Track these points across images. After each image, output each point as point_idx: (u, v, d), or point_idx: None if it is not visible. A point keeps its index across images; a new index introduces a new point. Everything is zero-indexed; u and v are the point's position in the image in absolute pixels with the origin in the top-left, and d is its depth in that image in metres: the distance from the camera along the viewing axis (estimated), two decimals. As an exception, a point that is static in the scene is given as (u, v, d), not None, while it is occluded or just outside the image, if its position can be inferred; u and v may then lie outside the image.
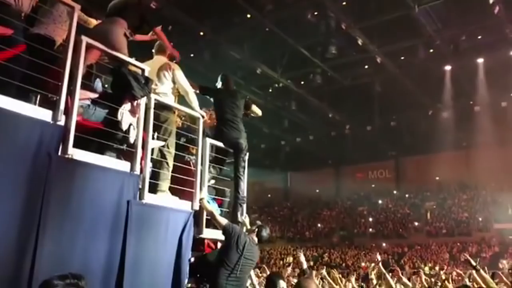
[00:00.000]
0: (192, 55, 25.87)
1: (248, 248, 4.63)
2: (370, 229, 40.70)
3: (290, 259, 33.23)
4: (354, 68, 30.92)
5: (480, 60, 27.67)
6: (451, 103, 32.67)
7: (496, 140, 32.47)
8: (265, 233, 4.94)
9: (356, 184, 46.81)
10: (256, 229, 4.92)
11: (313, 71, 30.25)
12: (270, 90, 32.32)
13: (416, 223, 38.92)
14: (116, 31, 4.45)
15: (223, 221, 4.74)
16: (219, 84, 5.97)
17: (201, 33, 24.90)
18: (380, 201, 44.57)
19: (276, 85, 32.13)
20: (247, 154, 5.65)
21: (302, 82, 32.08)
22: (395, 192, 45.22)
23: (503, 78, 28.02)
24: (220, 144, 5.49)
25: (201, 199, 4.86)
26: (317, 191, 47.96)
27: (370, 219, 42.03)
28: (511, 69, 27.04)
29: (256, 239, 4.88)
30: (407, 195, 43.84)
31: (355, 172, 47.67)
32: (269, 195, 48.88)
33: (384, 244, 37.45)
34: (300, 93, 32.55)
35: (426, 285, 7.00)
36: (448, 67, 28.97)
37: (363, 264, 33.62)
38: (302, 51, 26.98)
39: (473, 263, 5.87)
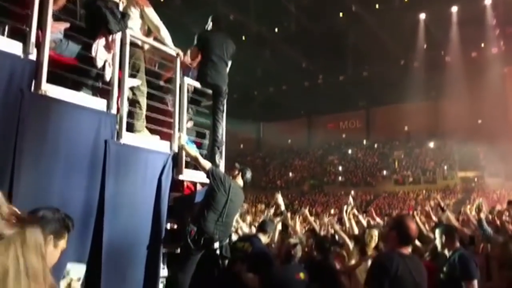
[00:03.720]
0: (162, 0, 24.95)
1: (233, 191, 4.61)
2: (340, 178, 41.77)
3: (262, 206, 33.90)
4: (329, 17, 30.54)
5: (454, 9, 27.71)
6: (423, 54, 32.95)
7: (464, 90, 33.17)
8: (249, 175, 4.94)
9: (327, 134, 47.53)
10: (240, 173, 4.90)
11: (287, 19, 29.76)
12: (243, 38, 31.68)
13: (384, 172, 40.09)
14: None
15: (207, 164, 4.67)
16: (209, 26, 5.63)
17: (172, -24, 23.93)
18: (350, 151, 45.53)
19: (249, 33, 31.52)
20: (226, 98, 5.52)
21: (276, 30, 31.60)
22: (364, 141, 46.16)
23: (475, 28, 28.27)
24: (198, 84, 5.34)
25: (182, 145, 4.76)
26: (289, 141, 48.51)
27: (340, 168, 43.09)
28: (484, 19, 27.26)
29: (241, 182, 4.87)
30: (376, 145, 44.87)
31: (327, 122, 48.25)
32: (241, 145, 49.06)
33: (352, 192, 38.52)
34: (274, 41, 32.12)
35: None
36: (422, 15, 28.93)
37: (332, 211, 34.68)
38: (276, -3, 26.38)
39: (442, 204, 6.14)
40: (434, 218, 5.42)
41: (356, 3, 26.94)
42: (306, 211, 6.85)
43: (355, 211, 6.49)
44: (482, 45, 31.62)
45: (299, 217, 6.59)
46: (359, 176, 40.77)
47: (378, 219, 7.44)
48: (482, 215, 5.12)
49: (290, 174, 44.46)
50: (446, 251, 4.06)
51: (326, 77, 39.88)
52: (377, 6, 28.18)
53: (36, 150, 3.52)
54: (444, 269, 3.93)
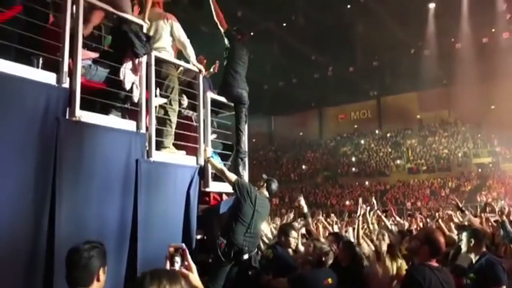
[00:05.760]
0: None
1: (259, 202, 4.73)
2: (353, 169, 41.63)
3: (277, 201, 34.08)
4: (337, 8, 30.38)
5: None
6: (433, 41, 32.68)
7: (476, 77, 32.88)
8: (274, 186, 5.01)
9: (339, 125, 47.43)
10: (265, 184, 4.99)
11: (295, 13, 29.68)
12: (252, 34, 31.64)
13: (398, 161, 39.95)
14: None
15: (233, 177, 4.79)
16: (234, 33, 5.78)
17: (178, -25, 23.92)
18: (362, 141, 45.38)
19: (258, 29, 31.48)
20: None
21: (284, 24, 31.53)
22: (377, 131, 45.98)
23: (486, 13, 27.93)
24: (217, 96, 5.47)
25: (208, 158, 4.89)
26: (301, 133, 48.49)
27: (353, 159, 42.94)
28: (494, 4, 26.94)
29: (266, 193, 4.97)
30: (388, 134, 44.67)
31: (338, 113, 48.15)
32: (253, 140, 49.07)
33: (366, 183, 38.48)
34: (282, 35, 32.07)
35: (422, 226, 7.35)
36: (432, 5, 28.71)
37: (347, 202, 34.67)
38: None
39: (460, 205, 6.15)
40: (456, 220, 5.48)
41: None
42: (322, 218, 6.89)
43: (378, 212, 6.58)
44: (493, 30, 31.23)
45: (319, 223, 6.69)
46: (372, 166, 40.64)
47: (398, 218, 7.54)
48: (505, 218, 5.17)
49: (303, 166, 44.44)
50: (472, 255, 4.11)
51: (335, 68, 39.73)
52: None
53: (73, 175, 3.68)
54: (471, 274, 3.99)
